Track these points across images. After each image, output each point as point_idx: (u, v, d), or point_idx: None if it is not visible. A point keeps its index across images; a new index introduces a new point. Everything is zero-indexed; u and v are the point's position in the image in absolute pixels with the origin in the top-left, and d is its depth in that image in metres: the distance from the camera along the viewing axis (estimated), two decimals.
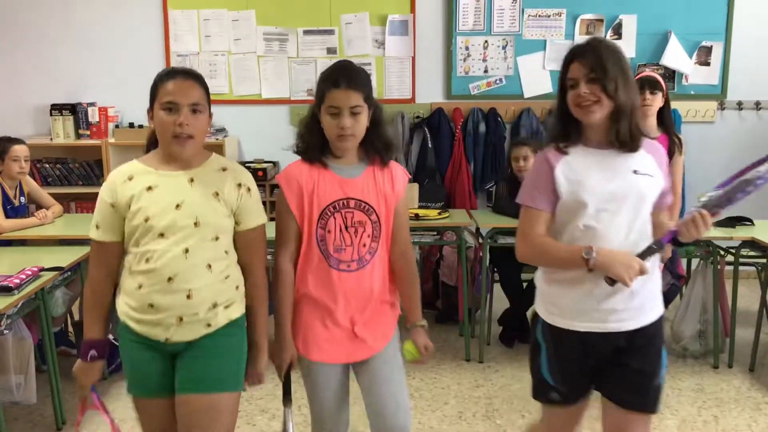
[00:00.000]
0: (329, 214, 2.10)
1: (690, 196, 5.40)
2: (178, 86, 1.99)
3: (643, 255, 1.95)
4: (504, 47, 5.55)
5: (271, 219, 2.21)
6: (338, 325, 2.16)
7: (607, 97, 1.92)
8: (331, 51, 5.60)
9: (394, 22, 5.55)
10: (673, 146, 3.47)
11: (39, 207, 4.32)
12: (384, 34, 5.57)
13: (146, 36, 5.55)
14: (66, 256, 3.45)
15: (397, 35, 5.57)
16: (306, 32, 5.59)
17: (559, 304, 2.07)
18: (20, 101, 5.64)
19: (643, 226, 2.02)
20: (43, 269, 3.21)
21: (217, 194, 2.04)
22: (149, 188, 2.00)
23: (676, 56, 5.50)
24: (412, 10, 5.54)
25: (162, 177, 2.03)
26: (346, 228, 2.11)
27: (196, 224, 1.99)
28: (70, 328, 4.25)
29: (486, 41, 5.54)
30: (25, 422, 3.38)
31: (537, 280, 2.17)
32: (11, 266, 3.22)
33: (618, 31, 5.50)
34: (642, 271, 1.91)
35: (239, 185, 2.07)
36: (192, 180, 2.04)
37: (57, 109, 5.46)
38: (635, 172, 1.99)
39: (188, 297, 1.99)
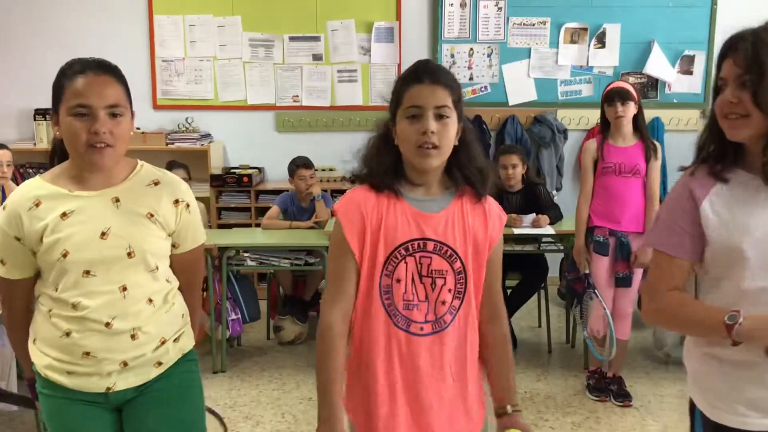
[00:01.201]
0: (399, 257, 1.61)
1: None
2: (90, 84, 1.61)
3: None
4: (489, 55, 5.58)
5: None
6: (408, 406, 1.64)
7: (757, 108, 1.42)
8: (317, 57, 5.61)
9: (380, 29, 5.56)
10: (648, 152, 3.52)
11: None
12: (370, 41, 5.58)
13: (131, 41, 5.53)
14: None
15: (383, 42, 5.59)
16: (292, 38, 5.60)
17: (722, 393, 1.52)
18: (4, 106, 5.60)
19: None
20: None
21: (151, 215, 1.70)
22: (64, 215, 1.63)
23: (659, 65, 5.55)
24: (398, 17, 5.56)
25: (78, 200, 1.65)
26: (421, 278, 1.62)
27: (129, 255, 1.66)
28: None
29: (471, 49, 5.57)
30: (5, 428, 3.35)
31: (686, 357, 1.66)
32: None
33: (602, 40, 5.54)
34: None
35: (176, 201, 1.75)
36: (117, 200, 1.68)
37: (41, 113, 5.42)
38: None
39: (133, 338, 1.68)
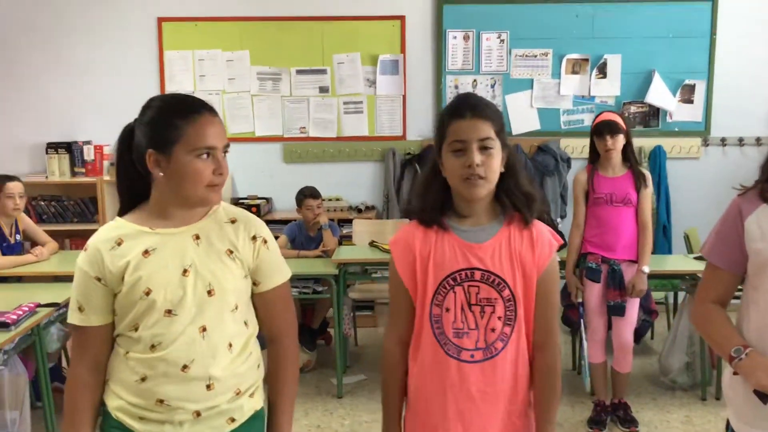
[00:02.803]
0: (448, 287, 1.66)
1: (676, 230, 5.50)
2: (210, 124, 1.61)
3: None
4: (492, 86, 5.68)
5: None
6: None
7: None
8: (323, 90, 5.72)
9: (385, 61, 5.68)
10: (638, 182, 3.55)
11: (34, 244, 4.36)
12: (375, 73, 5.69)
13: (142, 75, 5.66)
14: (61, 293, 3.49)
15: (388, 74, 5.70)
16: (299, 71, 5.71)
17: (746, 411, 1.61)
18: (16, 139, 5.71)
19: None
20: (39, 305, 3.25)
21: (230, 252, 1.67)
22: (146, 252, 1.61)
23: (660, 94, 5.63)
24: (403, 50, 5.67)
25: (160, 236, 1.63)
26: (470, 306, 1.66)
27: (210, 293, 1.62)
28: (65, 364, 4.27)
29: (475, 80, 5.67)
30: None
31: (724, 374, 1.74)
32: (7, 302, 3.25)
33: (603, 71, 5.64)
34: None
35: (254, 238, 1.70)
36: (197, 236, 1.65)
37: (53, 147, 5.53)
38: None
39: (208, 387, 1.62)
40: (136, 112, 1.69)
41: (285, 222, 4.94)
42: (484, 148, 1.60)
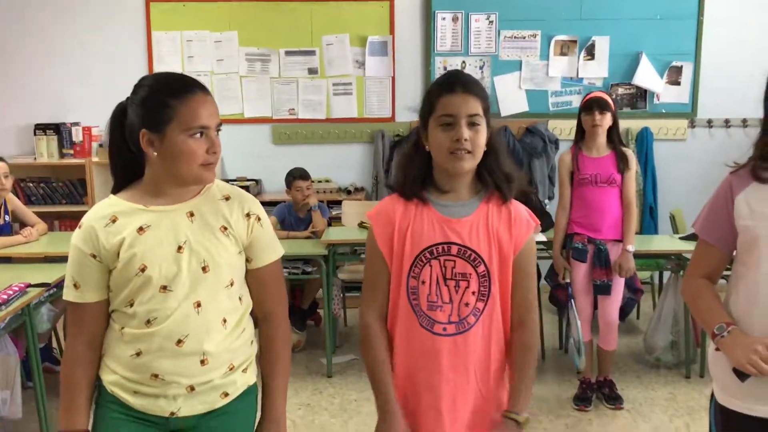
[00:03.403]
0: (424, 261, 1.69)
1: (663, 211, 5.55)
2: (203, 104, 1.61)
3: None
4: (481, 67, 5.69)
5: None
6: (431, 407, 1.71)
7: None
8: (312, 71, 5.71)
9: (373, 43, 5.67)
10: (621, 163, 3.58)
11: (23, 225, 4.36)
12: (364, 54, 5.69)
13: (130, 56, 5.63)
14: (51, 273, 3.50)
15: (377, 56, 5.70)
16: (288, 53, 5.70)
17: (730, 383, 1.63)
18: (4, 121, 5.69)
19: None
20: (29, 285, 3.26)
21: (224, 228, 1.68)
22: (140, 229, 1.62)
23: (647, 76, 5.66)
24: (392, 31, 5.66)
25: (154, 214, 1.64)
26: (445, 280, 1.69)
27: (204, 269, 1.64)
28: (55, 344, 4.29)
29: (463, 62, 5.68)
30: None
31: (709, 349, 1.79)
32: None
33: (591, 52, 5.66)
34: None
35: (248, 215, 1.72)
36: (191, 214, 1.66)
37: (41, 128, 5.52)
38: None
39: (202, 362, 1.64)
40: (124, 93, 1.69)
41: (274, 204, 4.95)
42: (472, 124, 1.63)
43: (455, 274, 1.68)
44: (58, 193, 5.57)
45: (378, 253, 1.72)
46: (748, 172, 1.65)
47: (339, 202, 5.33)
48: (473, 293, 1.68)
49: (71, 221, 5.43)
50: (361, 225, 4.65)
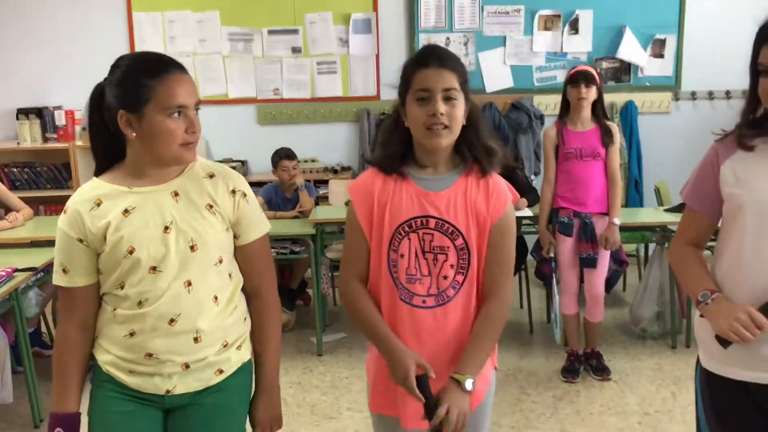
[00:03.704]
0: (403, 234, 1.69)
1: (648, 184, 5.59)
2: (181, 83, 1.60)
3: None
4: (465, 44, 5.67)
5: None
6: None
7: None
8: (296, 50, 5.68)
9: (357, 20, 5.64)
10: (605, 137, 3.60)
11: (8, 211, 4.33)
12: (348, 32, 5.66)
13: (111, 38, 5.57)
14: (38, 257, 3.49)
15: (361, 34, 5.67)
16: (271, 32, 5.66)
17: (717, 347, 1.65)
18: None
19: None
20: (16, 270, 3.25)
21: (210, 206, 1.68)
22: (126, 211, 1.62)
23: (631, 49, 5.67)
24: (375, 8, 5.63)
25: (139, 195, 1.64)
26: (424, 253, 1.70)
27: (192, 248, 1.64)
28: (44, 329, 4.29)
29: (448, 38, 5.66)
30: (1, 422, 3.42)
31: (695, 315, 1.79)
32: None
33: (575, 27, 5.65)
34: (760, 326, 1.53)
35: (233, 191, 1.71)
36: (176, 193, 1.66)
37: (23, 113, 5.46)
38: None
39: (196, 340, 1.65)
40: (105, 75, 1.66)
41: (261, 184, 4.94)
42: (448, 99, 1.63)
43: (433, 247, 1.69)
44: (42, 178, 5.53)
45: (357, 226, 1.74)
46: (734, 140, 1.67)
47: (326, 182, 5.33)
48: (451, 266, 1.70)
49: (56, 206, 5.40)
50: (348, 204, 4.65)
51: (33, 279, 3.39)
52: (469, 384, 1.65)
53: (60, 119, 5.50)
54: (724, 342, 1.61)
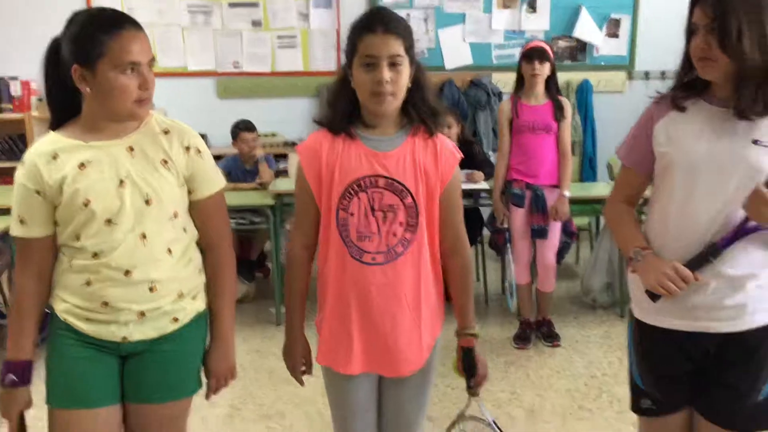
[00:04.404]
0: (352, 193, 1.73)
1: (601, 161, 5.73)
2: (134, 40, 1.62)
3: (694, 263, 1.65)
4: (425, 20, 5.73)
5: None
6: (364, 330, 1.79)
7: (724, 54, 1.57)
8: (256, 23, 5.68)
9: None
10: (557, 112, 3.70)
11: None
12: (308, 7, 5.67)
13: (67, 8, 5.35)
14: None
15: (322, 8, 5.69)
16: (231, 5, 5.65)
17: (642, 299, 1.77)
18: None
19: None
20: None
21: (165, 162, 1.71)
22: (82, 165, 1.65)
23: (587, 29, 5.79)
24: None
25: (94, 150, 1.66)
26: (373, 212, 1.73)
27: (147, 202, 1.68)
28: (0, 299, 4.26)
29: (408, 14, 5.70)
30: None
31: (627, 270, 1.87)
32: None
33: (533, 5, 5.75)
34: (685, 279, 1.63)
35: (188, 148, 1.75)
36: (131, 149, 1.69)
37: None
38: (756, 142, 1.62)
39: (151, 290, 1.70)
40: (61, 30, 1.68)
41: (220, 158, 4.94)
42: (393, 65, 1.65)
43: (383, 205, 1.73)
44: None
45: (306, 187, 1.77)
46: (668, 101, 1.73)
47: (285, 156, 5.36)
48: (401, 224, 1.74)
49: (11, 177, 5.32)
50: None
51: None
52: (476, 331, 1.89)
53: (15, 89, 5.42)
54: (653, 296, 1.70)
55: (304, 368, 1.94)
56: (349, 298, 1.78)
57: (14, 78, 5.44)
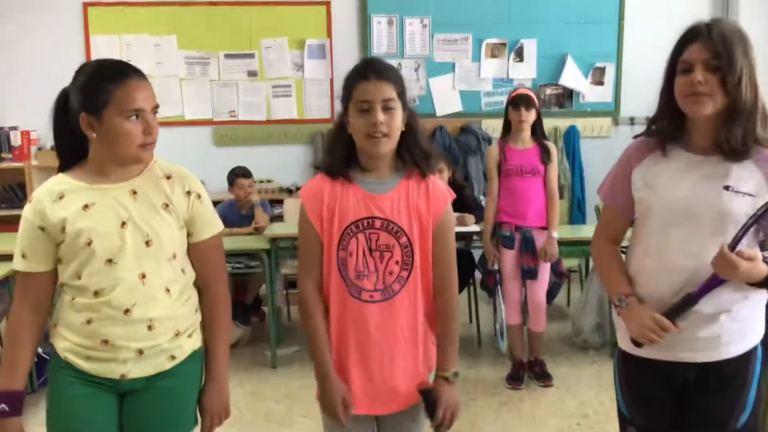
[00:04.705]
0: (351, 234, 1.82)
1: (590, 204, 5.85)
2: (138, 88, 1.72)
3: (673, 312, 1.74)
4: (416, 69, 5.91)
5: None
6: (361, 368, 1.87)
7: (724, 92, 1.64)
8: (251, 74, 5.84)
9: (311, 46, 5.84)
10: (543, 156, 3.83)
11: None
12: (303, 57, 5.85)
13: (68, 60, 5.55)
14: None
15: (315, 58, 5.86)
16: (227, 56, 5.82)
17: (624, 331, 1.86)
18: None
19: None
20: None
21: (166, 205, 1.80)
22: (85, 206, 1.73)
23: (573, 77, 5.97)
24: (329, 34, 5.84)
25: (98, 192, 1.76)
26: (370, 251, 1.83)
27: (147, 243, 1.75)
28: None
29: (399, 64, 5.88)
30: None
31: (613, 308, 1.96)
32: None
33: (520, 54, 5.94)
34: (665, 329, 1.72)
35: (188, 192, 1.83)
36: (134, 192, 1.78)
37: None
38: (727, 187, 1.69)
39: (150, 328, 1.77)
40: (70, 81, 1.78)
41: (217, 203, 5.01)
42: (386, 109, 1.76)
43: (379, 245, 1.82)
44: None
45: (311, 227, 1.84)
46: (644, 146, 1.83)
47: (281, 202, 5.46)
48: (396, 262, 1.83)
49: (11, 225, 5.38)
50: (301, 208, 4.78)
51: None
52: (453, 377, 1.87)
53: (15, 139, 5.54)
54: (637, 343, 1.81)
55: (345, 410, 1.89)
56: (348, 335, 1.86)
57: (14, 128, 5.56)
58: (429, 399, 1.87)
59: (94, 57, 5.67)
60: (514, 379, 3.95)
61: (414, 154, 1.84)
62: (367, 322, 1.84)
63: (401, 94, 1.80)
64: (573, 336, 4.60)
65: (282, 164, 5.90)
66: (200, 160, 5.81)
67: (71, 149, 1.80)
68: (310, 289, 1.88)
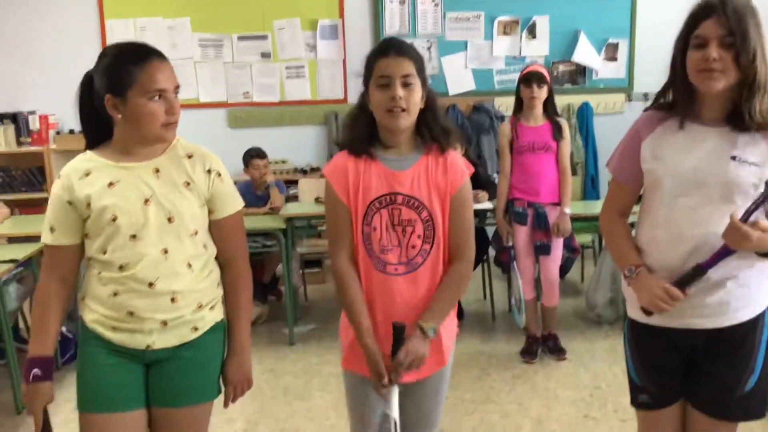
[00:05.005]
0: (374, 210, 1.88)
1: (603, 180, 5.86)
2: (160, 69, 1.79)
3: (683, 282, 1.77)
4: (429, 48, 5.91)
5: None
6: (387, 339, 1.89)
7: (736, 68, 1.67)
8: (265, 55, 5.87)
9: (324, 26, 5.86)
10: (555, 132, 3.85)
11: None
12: (315, 38, 5.87)
13: (84, 44, 5.69)
14: (18, 252, 3.63)
15: (328, 39, 5.89)
16: (240, 38, 5.85)
17: (634, 299, 1.91)
18: None
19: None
20: None
21: (188, 183, 1.85)
22: (110, 184, 1.80)
23: (586, 53, 5.96)
24: (341, 15, 5.86)
25: (123, 170, 1.82)
26: (393, 226, 1.89)
27: (170, 220, 1.82)
28: (22, 325, 4.40)
29: (412, 43, 5.84)
30: None
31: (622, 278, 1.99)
32: None
33: (532, 31, 5.93)
34: (675, 298, 1.76)
35: (209, 171, 1.89)
36: (157, 170, 1.84)
37: None
38: (734, 158, 1.73)
39: (173, 300, 1.84)
40: (78, 81, 1.86)
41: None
42: (406, 84, 1.81)
43: (401, 220, 1.89)
44: (17, 182, 5.64)
45: (339, 202, 1.90)
46: (654, 111, 1.87)
47: (296, 182, 5.51)
48: (419, 236, 1.89)
49: (32, 209, 5.49)
50: (318, 200, 4.85)
51: (13, 272, 3.53)
52: (430, 331, 1.87)
53: (34, 123, 5.62)
54: (647, 311, 1.85)
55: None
56: (375, 307, 1.92)
57: (33, 112, 5.64)
58: (398, 336, 1.86)
59: (109, 41, 5.73)
60: (528, 353, 4.00)
61: (433, 130, 1.90)
62: (392, 294, 1.90)
63: (420, 71, 1.85)
64: (586, 311, 4.64)
65: (296, 145, 5.96)
66: (215, 142, 5.76)
67: (97, 130, 1.87)
68: (344, 261, 1.93)
